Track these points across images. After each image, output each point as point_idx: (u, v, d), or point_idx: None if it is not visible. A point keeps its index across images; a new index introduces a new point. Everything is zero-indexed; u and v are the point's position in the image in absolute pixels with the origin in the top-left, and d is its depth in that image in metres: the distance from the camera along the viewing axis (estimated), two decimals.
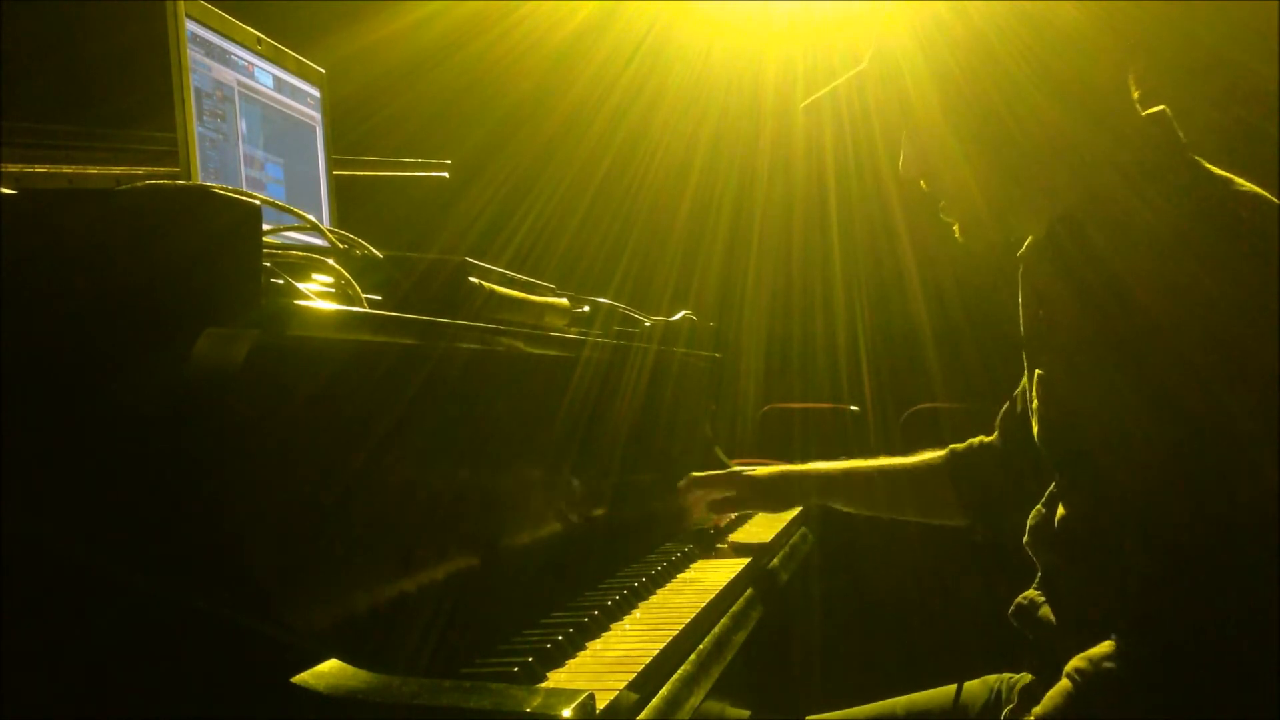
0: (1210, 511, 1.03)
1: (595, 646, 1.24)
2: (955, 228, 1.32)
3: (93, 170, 1.73)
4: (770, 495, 1.85)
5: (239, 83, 1.50)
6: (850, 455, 1.82)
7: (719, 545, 1.87)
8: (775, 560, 1.87)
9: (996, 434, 1.62)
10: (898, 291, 3.73)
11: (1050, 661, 1.26)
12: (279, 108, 1.62)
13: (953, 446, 1.70)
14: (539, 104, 3.62)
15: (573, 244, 3.47)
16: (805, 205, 3.87)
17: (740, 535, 1.99)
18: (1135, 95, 1.23)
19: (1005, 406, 1.59)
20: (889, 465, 1.76)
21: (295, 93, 1.67)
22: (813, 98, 1.41)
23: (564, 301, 1.56)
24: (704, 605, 1.41)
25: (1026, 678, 1.45)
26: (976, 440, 1.67)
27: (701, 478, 1.87)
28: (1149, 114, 1.22)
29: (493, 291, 1.33)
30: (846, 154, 3.72)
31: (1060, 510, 1.25)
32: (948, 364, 3.49)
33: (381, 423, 1.12)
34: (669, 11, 3.71)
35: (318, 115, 1.75)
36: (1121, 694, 1.07)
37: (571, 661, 1.17)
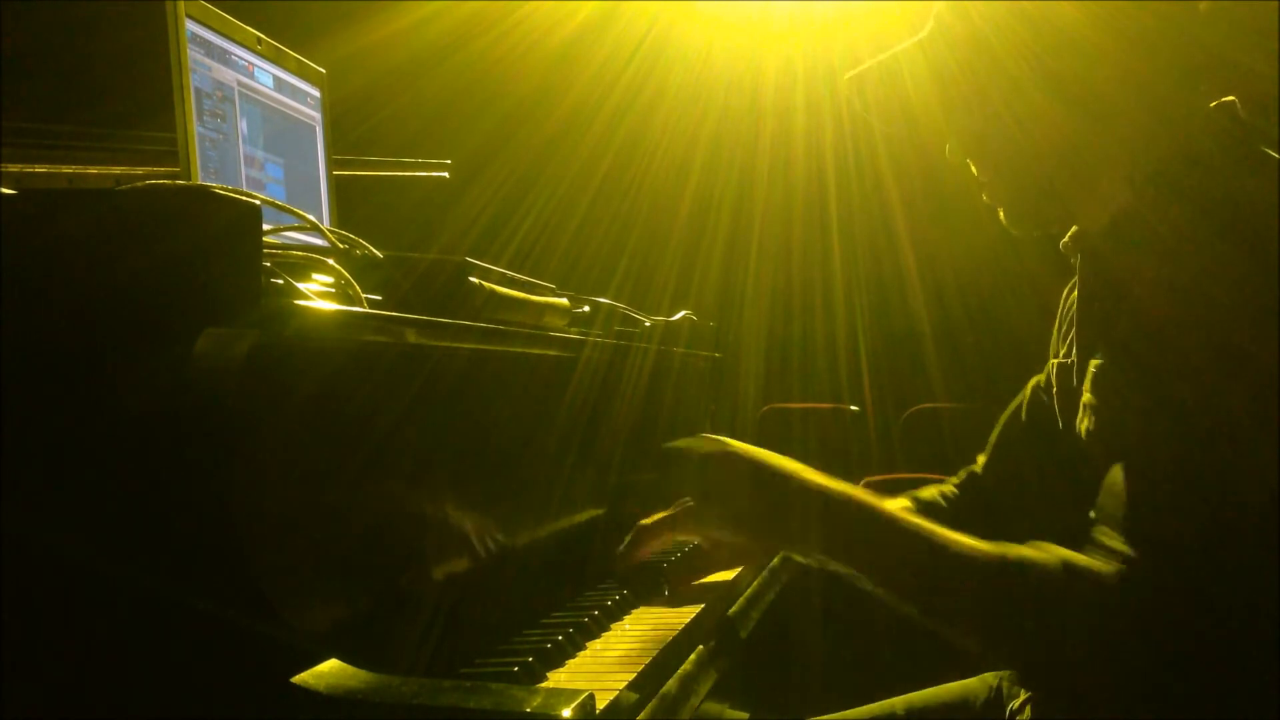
0: (1211, 513, 1.03)
1: (595, 646, 1.24)
2: (1000, 213, 1.27)
3: (93, 170, 1.73)
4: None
5: (239, 83, 1.50)
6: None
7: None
8: (775, 559, 1.87)
9: (983, 458, 1.51)
10: (898, 291, 3.73)
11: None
12: (279, 108, 1.62)
13: (914, 494, 1.54)
14: (539, 104, 3.62)
15: (573, 244, 3.47)
16: (805, 205, 3.87)
17: None
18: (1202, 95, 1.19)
19: (1004, 419, 1.49)
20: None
21: (295, 93, 1.67)
22: (859, 69, 1.31)
23: (564, 301, 1.56)
24: (704, 604, 1.41)
25: None
26: (935, 491, 1.54)
27: (650, 527, 1.41)
28: (1217, 106, 1.18)
29: (493, 291, 1.33)
30: (846, 154, 3.72)
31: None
32: (948, 364, 3.50)
33: (381, 423, 1.12)
34: (669, 11, 3.72)
35: (318, 115, 1.75)
36: (1122, 694, 1.07)
37: (571, 661, 1.17)
